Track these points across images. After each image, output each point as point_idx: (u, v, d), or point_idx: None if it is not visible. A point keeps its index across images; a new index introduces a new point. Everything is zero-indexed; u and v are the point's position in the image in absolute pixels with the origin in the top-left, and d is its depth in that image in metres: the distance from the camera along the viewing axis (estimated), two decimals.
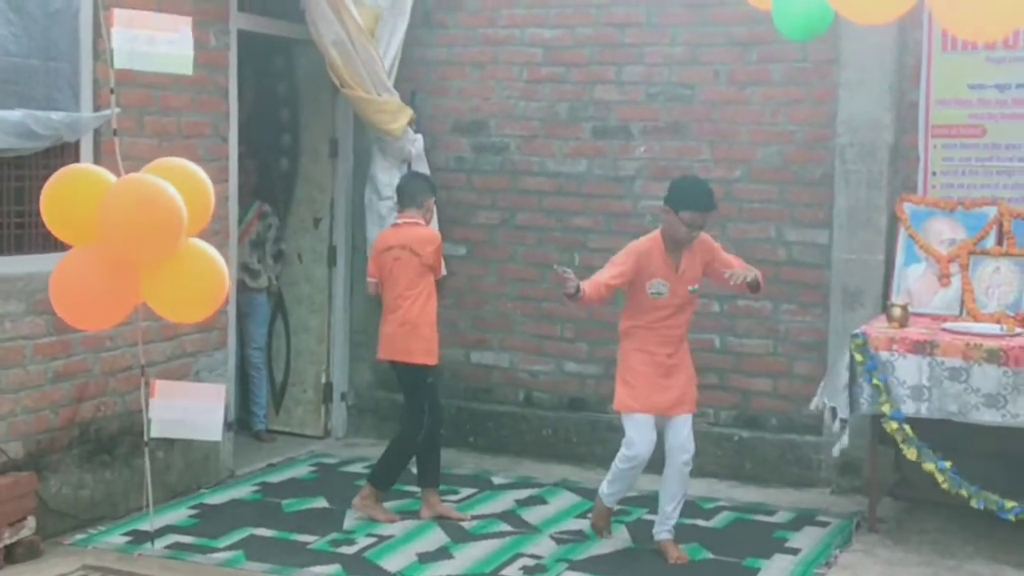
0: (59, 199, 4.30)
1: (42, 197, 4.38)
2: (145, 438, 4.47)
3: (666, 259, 5.85)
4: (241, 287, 7.77)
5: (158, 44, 4.74)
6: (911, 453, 6.06)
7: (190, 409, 4.56)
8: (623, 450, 5.94)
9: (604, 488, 6.13)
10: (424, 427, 6.38)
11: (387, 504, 6.51)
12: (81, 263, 4.23)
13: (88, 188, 4.63)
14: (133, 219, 4.09)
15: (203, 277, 4.39)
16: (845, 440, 6.23)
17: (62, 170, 4.38)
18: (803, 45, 6.97)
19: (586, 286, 5.70)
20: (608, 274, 5.86)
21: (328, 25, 7.13)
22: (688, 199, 5.77)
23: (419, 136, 7.68)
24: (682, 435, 5.90)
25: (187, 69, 5.00)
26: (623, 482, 6.06)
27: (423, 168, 7.70)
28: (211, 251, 4.47)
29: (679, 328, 5.94)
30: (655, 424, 5.91)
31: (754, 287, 5.90)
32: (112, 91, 4.81)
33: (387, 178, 7.59)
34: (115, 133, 4.76)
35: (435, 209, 6.70)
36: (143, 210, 4.08)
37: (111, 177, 4.80)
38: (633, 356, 5.94)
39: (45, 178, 5.80)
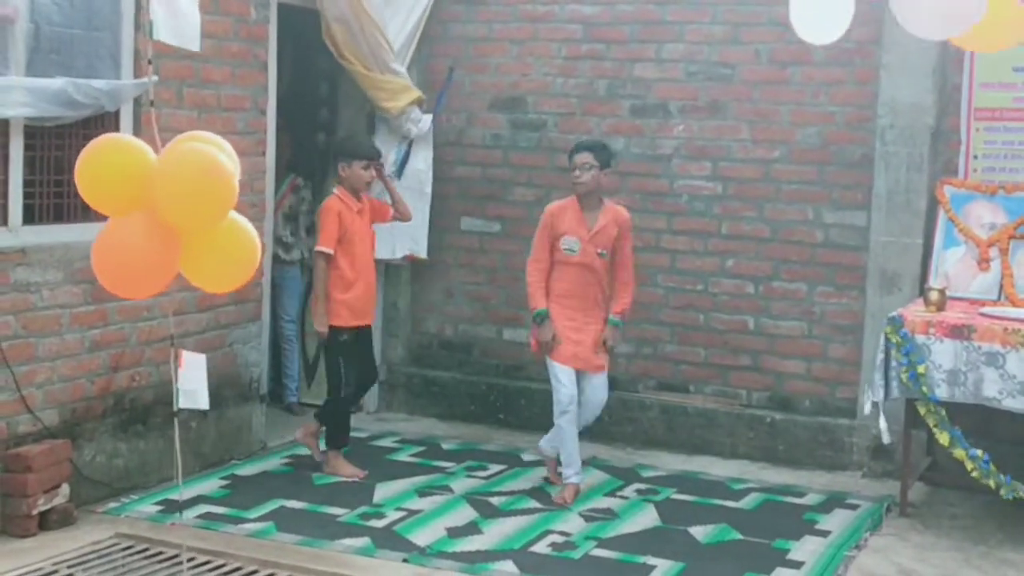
0: (94, 170, 4.31)
1: (77, 167, 4.40)
2: (174, 408, 4.49)
3: (580, 218, 6.36)
4: (275, 260, 7.80)
5: (179, 17, 4.76)
6: (943, 438, 6.02)
7: (197, 378, 4.59)
8: None
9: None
10: (342, 389, 6.72)
11: (415, 480, 6.55)
12: (125, 229, 4.24)
13: (124, 159, 4.64)
14: (194, 186, 4.12)
15: (240, 247, 4.41)
16: (883, 424, 6.18)
17: (96, 140, 4.39)
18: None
19: (541, 299, 6.40)
20: (531, 263, 6.49)
21: (332, 1, 7.12)
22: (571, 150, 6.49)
23: (426, 117, 7.69)
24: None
25: (195, 45, 5.07)
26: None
27: (426, 151, 7.74)
28: (246, 223, 4.49)
29: (591, 287, 6.40)
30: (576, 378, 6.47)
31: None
32: (150, 62, 4.82)
33: (384, 151, 7.65)
34: (152, 104, 4.78)
35: (362, 172, 6.65)
36: (203, 177, 4.11)
37: (145, 148, 4.80)
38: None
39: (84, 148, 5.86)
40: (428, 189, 7.83)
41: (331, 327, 6.61)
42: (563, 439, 6.42)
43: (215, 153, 4.17)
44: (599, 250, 6.36)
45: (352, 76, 7.48)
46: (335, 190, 6.69)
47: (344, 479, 6.59)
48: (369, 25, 7.22)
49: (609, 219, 6.38)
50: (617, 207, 6.50)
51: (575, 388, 6.39)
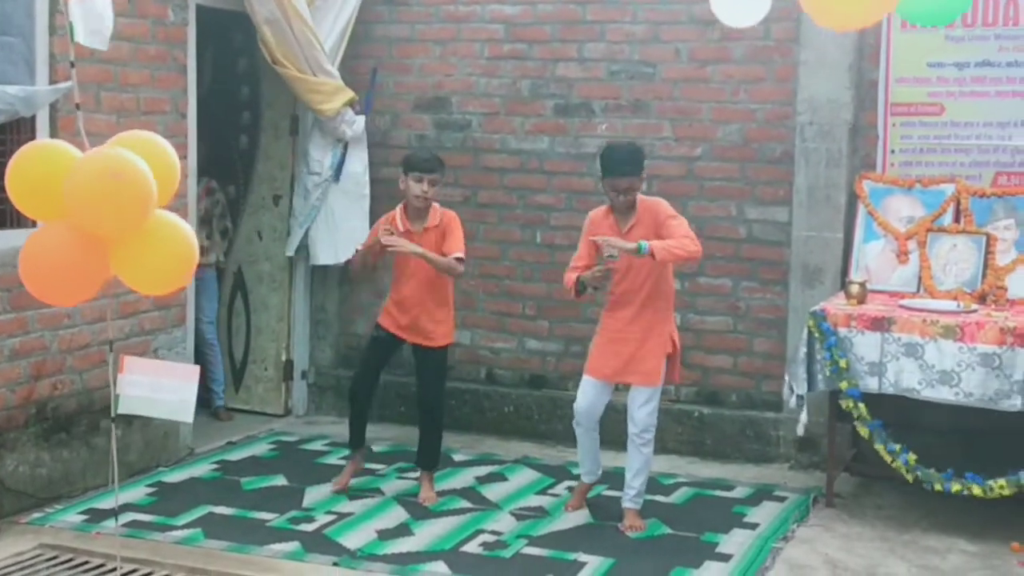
0: (25, 174, 4.26)
1: (7, 172, 4.36)
2: (112, 414, 4.43)
3: (612, 222, 5.98)
4: None
5: (94, 18, 4.70)
6: (864, 431, 6.11)
7: (160, 387, 4.54)
8: None
9: None
10: (354, 376, 6.65)
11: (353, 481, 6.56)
12: (50, 238, 4.20)
13: (54, 163, 4.60)
14: (101, 193, 4.05)
15: (174, 248, 4.37)
16: (804, 416, 6.28)
17: (27, 145, 4.34)
18: (765, 24, 6.99)
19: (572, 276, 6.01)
20: (573, 262, 6.08)
21: (262, 2, 7.07)
22: (605, 166, 5.91)
23: (359, 118, 7.66)
24: (634, 407, 6.00)
25: (103, 45, 5.01)
26: (580, 446, 6.25)
27: (362, 153, 7.74)
28: (180, 222, 4.46)
29: (636, 292, 5.95)
30: (604, 391, 6.12)
31: (648, 255, 5.71)
32: (72, 64, 4.75)
33: (318, 154, 7.70)
34: (78, 107, 4.71)
35: (412, 185, 6.27)
36: (111, 184, 4.04)
37: (77, 153, 4.76)
38: (602, 317, 6.12)
39: (1, 153, 5.77)
40: (366, 191, 7.80)
41: (376, 323, 6.56)
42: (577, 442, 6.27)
43: (125, 159, 4.11)
44: None
45: (286, 81, 7.41)
46: (400, 204, 6.44)
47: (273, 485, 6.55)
48: (300, 25, 7.17)
49: (641, 214, 5.90)
50: (646, 199, 5.97)
51: (590, 400, 6.06)
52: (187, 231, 4.33)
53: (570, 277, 6.00)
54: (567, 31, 7.59)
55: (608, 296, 6.07)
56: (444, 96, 7.90)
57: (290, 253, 7.93)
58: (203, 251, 7.77)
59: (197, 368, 4.70)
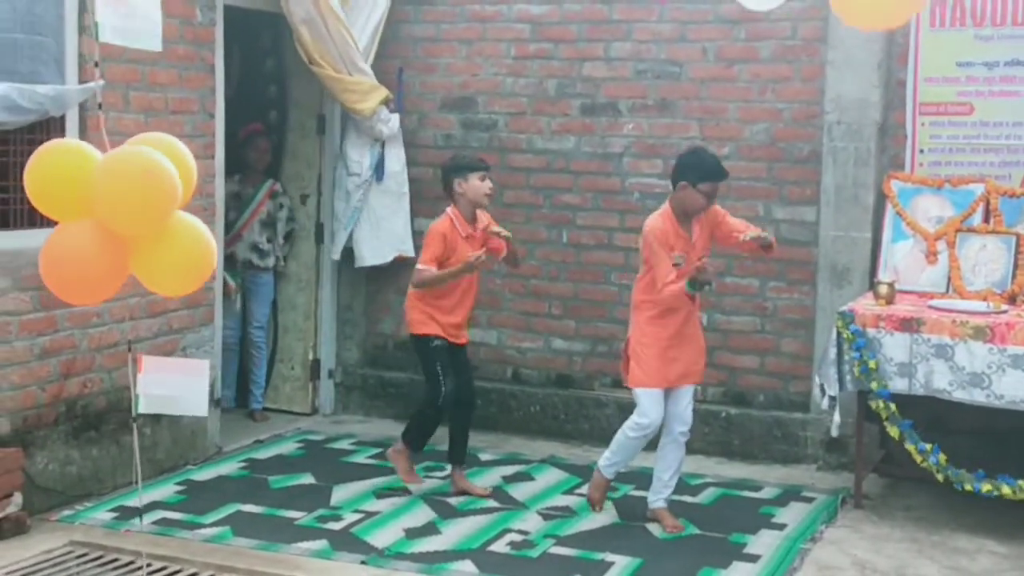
0: (43, 174, 4.29)
1: (26, 172, 4.39)
2: (133, 414, 4.45)
3: (680, 232, 5.90)
4: (248, 266, 7.79)
5: (135, 19, 4.71)
6: (894, 431, 6.08)
7: (177, 384, 4.56)
8: (635, 418, 5.99)
9: (604, 459, 6.19)
10: (442, 394, 6.35)
11: (372, 481, 6.53)
12: (71, 236, 4.22)
13: (71, 163, 4.62)
14: (130, 191, 4.07)
15: (193, 250, 4.39)
16: (837, 417, 6.25)
17: (45, 144, 4.37)
18: (792, 23, 7.00)
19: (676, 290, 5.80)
20: (667, 270, 5.79)
21: (299, 3, 7.10)
22: (704, 171, 5.85)
23: (394, 116, 7.67)
24: (682, 406, 6.01)
25: (156, 45, 5.04)
26: (627, 452, 6.11)
27: (399, 151, 7.73)
28: (199, 224, 4.48)
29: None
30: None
31: (767, 247, 5.92)
32: (96, 64, 4.78)
33: (356, 155, 7.72)
34: (100, 107, 4.74)
35: (479, 184, 6.30)
36: (141, 182, 4.07)
37: (96, 152, 4.78)
38: (646, 328, 5.96)
39: (30, 153, 5.78)
40: (406, 189, 7.85)
41: (423, 335, 6.38)
42: (621, 444, 6.09)
43: (153, 156, 4.13)
44: (701, 256, 5.88)
45: (322, 81, 7.45)
46: (448, 210, 6.38)
47: (301, 483, 6.56)
48: (336, 23, 7.20)
49: (702, 221, 5.94)
50: None
51: (661, 411, 5.94)
52: (205, 233, 4.34)
53: (673, 288, 5.77)
54: (593, 30, 7.59)
55: (653, 302, 5.91)
56: (470, 96, 7.91)
57: (335, 257, 7.92)
58: (263, 255, 7.82)
59: (207, 363, 4.70)
